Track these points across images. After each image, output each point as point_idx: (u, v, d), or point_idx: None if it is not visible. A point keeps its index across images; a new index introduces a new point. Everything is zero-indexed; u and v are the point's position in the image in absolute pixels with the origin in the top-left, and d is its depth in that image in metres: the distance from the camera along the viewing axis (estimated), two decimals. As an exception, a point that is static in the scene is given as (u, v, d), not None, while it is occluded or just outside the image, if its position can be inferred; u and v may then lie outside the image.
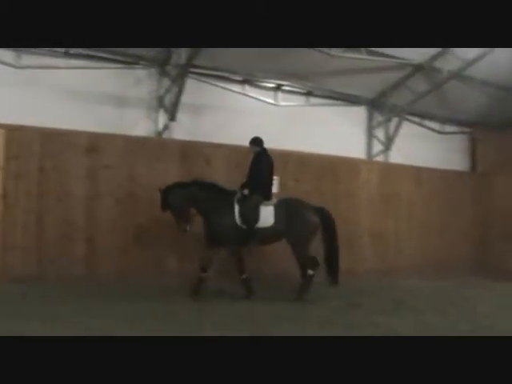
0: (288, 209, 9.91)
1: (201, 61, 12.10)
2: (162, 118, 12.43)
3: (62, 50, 11.39)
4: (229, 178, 11.37)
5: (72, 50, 11.47)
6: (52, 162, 10.36)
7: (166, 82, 12.38)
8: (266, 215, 9.74)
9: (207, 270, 9.71)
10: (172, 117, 12.24)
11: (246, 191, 9.79)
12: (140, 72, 12.38)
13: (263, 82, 13.86)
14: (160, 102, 12.45)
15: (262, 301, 9.48)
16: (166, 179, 10.54)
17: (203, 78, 12.89)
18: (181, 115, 12.31)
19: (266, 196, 9.88)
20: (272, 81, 13.91)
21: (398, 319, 8.50)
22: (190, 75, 12.33)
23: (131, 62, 12.24)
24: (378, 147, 15.54)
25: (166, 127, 12.35)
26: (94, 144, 10.77)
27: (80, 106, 11.45)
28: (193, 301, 9.36)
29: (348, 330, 7.54)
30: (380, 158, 15.42)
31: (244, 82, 13.60)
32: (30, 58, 11.11)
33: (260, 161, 9.98)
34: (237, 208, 9.68)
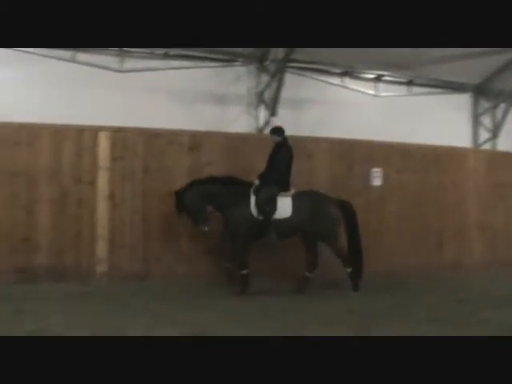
0: (307, 201, 9.56)
1: (299, 55, 12.05)
2: (263, 114, 12.44)
3: (162, 51, 11.66)
4: (331, 171, 11.29)
5: (172, 51, 11.71)
6: (156, 161, 10.52)
7: (265, 78, 12.41)
8: (284, 206, 9.41)
9: (246, 267, 9.46)
10: (272, 112, 12.24)
11: (257, 181, 9.51)
12: (239, 69, 12.46)
13: (363, 73, 13.68)
14: (260, 98, 12.47)
15: (363, 297, 9.26)
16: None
17: (302, 72, 12.85)
18: (281, 110, 12.30)
19: (283, 187, 9.52)
20: (372, 71, 13.71)
21: (510, 315, 8.06)
22: (289, 70, 12.30)
23: (230, 60, 12.35)
24: (484, 135, 15.03)
25: (267, 123, 12.36)
26: (196, 142, 10.86)
27: (181, 106, 11.66)
28: (296, 295, 9.31)
29: (455, 327, 7.20)
30: (487, 146, 14.92)
31: (343, 74, 13.48)
32: (131, 61, 11.46)
33: (279, 151, 9.65)
34: (253, 199, 9.41)
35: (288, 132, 12.03)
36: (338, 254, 9.63)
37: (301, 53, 11.88)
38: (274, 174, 9.51)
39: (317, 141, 11.56)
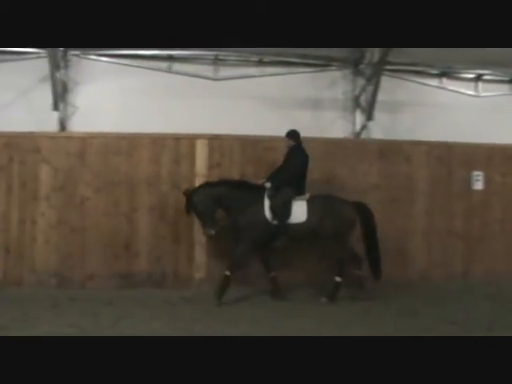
0: (322, 204, 9.36)
1: (395, 57, 11.80)
2: (359, 119, 12.31)
3: (256, 58, 11.82)
4: (430, 175, 11.07)
5: (266, 58, 11.83)
6: (252, 168, 10.59)
7: (361, 82, 12.25)
8: (299, 211, 9.24)
9: (236, 271, 9.35)
10: (369, 116, 12.08)
11: (268, 184, 9.36)
12: (334, 73, 12.38)
13: (462, 73, 13.28)
14: (356, 102, 12.34)
15: (463, 305, 9.02)
16: (366, 179, 10.47)
17: (398, 75, 12.60)
18: (378, 114, 12.11)
19: (299, 191, 9.34)
20: (471, 71, 13.28)
21: None
22: (385, 72, 12.09)
23: (324, 65, 12.29)
24: None
25: (363, 127, 12.22)
26: (292, 148, 10.85)
27: (276, 112, 11.70)
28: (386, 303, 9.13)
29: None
30: None
31: (441, 74, 13.11)
32: (226, 69, 11.72)
33: (294, 154, 9.49)
34: (267, 203, 9.25)
35: (386, 136, 11.95)
36: (339, 258, 9.46)
37: (396, 55, 11.62)
38: (288, 177, 9.40)
39: (415, 144, 11.33)
